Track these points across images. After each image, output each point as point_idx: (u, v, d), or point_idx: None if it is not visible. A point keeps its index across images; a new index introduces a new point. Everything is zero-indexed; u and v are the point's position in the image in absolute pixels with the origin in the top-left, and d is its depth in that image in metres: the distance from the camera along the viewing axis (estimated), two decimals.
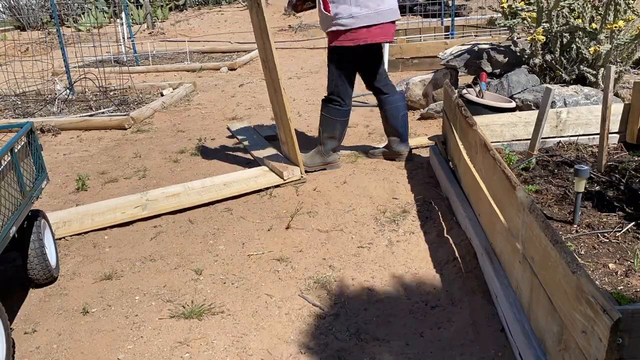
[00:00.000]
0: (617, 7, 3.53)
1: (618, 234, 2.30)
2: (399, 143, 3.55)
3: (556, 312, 1.53)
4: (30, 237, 2.35)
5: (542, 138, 3.14)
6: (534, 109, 3.57)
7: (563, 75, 3.90)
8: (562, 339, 1.51)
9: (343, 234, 2.76)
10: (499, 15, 4.22)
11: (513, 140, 3.28)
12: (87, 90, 5.90)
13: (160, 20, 12.41)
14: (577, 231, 2.34)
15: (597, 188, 2.70)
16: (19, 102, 5.81)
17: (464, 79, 4.75)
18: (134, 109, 5.30)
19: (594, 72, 3.77)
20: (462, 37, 7.13)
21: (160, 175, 3.74)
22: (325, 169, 3.51)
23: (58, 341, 2.12)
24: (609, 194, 2.63)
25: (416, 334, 2.02)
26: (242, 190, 3.24)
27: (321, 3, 3.21)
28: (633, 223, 2.35)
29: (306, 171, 3.44)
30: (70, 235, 2.93)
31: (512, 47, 4.20)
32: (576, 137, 3.29)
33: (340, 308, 2.20)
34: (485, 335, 1.94)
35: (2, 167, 2.15)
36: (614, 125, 3.22)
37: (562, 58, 3.93)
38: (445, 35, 7.31)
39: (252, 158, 3.87)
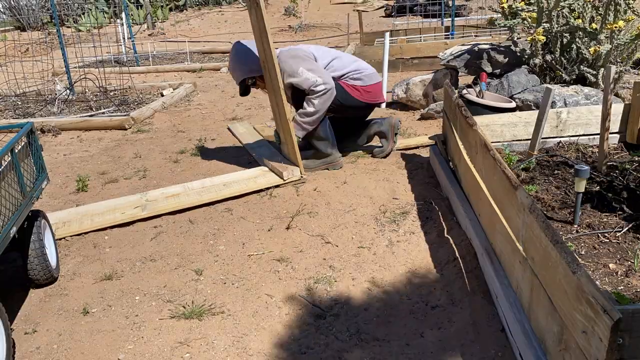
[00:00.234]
0: (617, 7, 3.53)
1: (618, 234, 2.30)
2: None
3: (556, 312, 1.53)
4: (31, 237, 2.35)
5: (543, 138, 3.14)
6: (534, 109, 3.57)
7: (563, 75, 3.90)
8: (562, 339, 1.51)
9: (343, 234, 2.76)
10: (499, 15, 4.22)
11: (513, 141, 3.28)
12: (87, 90, 5.90)
13: (160, 21, 12.41)
14: (577, 231, 2.34)
15: (598, 188, 2.70)
16: (19, 103, 5.81)
17: (464, 79, 4.75)
18: (134, 109, 5.31)
19: (594, 72, 3.77)
20: (462, 37, 7.13)
21: (160, 176, 3.74)
22: (327, 169, 3.50)
23: (58, 341, 2.12)
24: (609, 194, 2.63)
25: (416, 334, 2.02)
26: (242, 191, 3.24)
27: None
28: (633, 223, 2.35)
29: (306, 171, 3.44)
30: (71, 236, 2.93)
31: (512, 47, 4.20)
32: (576, 137, 3.29)
33: (341, 308, 2.20)
34: (486, 335, 1.94)
35: (2, 167, 2.16)
36: (614, 125, 3.22)
37: (562, 58, 3.93)
38: (445, 35, 7.32)
39: (252, 159, 3.87)
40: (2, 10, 12.00)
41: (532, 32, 3.97)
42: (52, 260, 2.51)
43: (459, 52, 4.37)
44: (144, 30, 11.19)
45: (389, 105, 4.96)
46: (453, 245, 2.53)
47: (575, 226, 2.38)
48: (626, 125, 3.26)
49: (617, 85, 3.80)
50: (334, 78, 3.38)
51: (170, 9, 13.69)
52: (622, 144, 3.26)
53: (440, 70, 4.68)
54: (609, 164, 2.91)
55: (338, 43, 8.54)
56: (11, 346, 1.94)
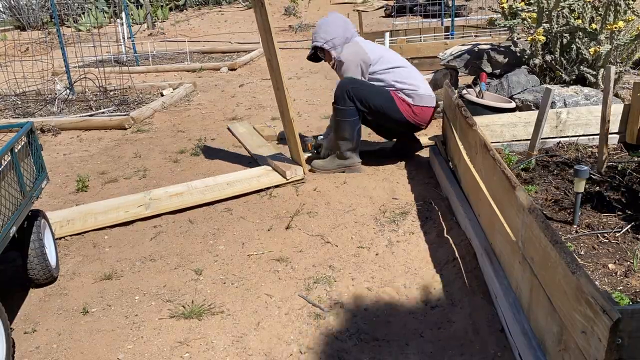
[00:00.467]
0: (617, 7, 3.53)
1: (618, 234, 2.30)
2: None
3: (556, 312, 1.53)
4: (30, 237, 2.35)
5: (542, 138, 3.14)
6: (533, 110, 3.57)
7: (563, 75, 3.90)
8: (561, 339, 1.51)
9: (343, 234, 2.76)
10: (499, 15, 4.22)
11: (513, 141, 3.28)
12: (87, 90, 5.90)
13: (160, 20, 12.41)
14: (576, 232, 2.34)
15: (597, 188, 2.70)
16: (19, 102, 5.81)
17: (464, 79, 4.75)
18: (134, 109, 5.30)
19: (594, 72, 3.77)
20: (462, 37, 7.13)
21: (160, 175, 3.74)
22: (344, 172, 3.44)
23: (58, 341, 2.12)
24: (609, 194, 2.63)
25: (416, 334, 2.02)
26: (245, 190, 3.24)
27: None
28: (633, 223, 2.35)
29: (323, 171, 3.44)
30: (70, 235, 2.93)
31: (512, 48, 4.20)
32: (576, 138, 3.29)
33: (340, 308, 2.20)
34: (485, 335, 1.94)
35: (2, 167, 2.16)
36: (614, 125, 3.22)
37: (562, 58, 3.93)
38: (445, 35, 7.31)
39: (252, 158, 3.87)
40: (2, 9, 12.00)
41: (532, 32, 3.97)
42: (52, 260, 2.51)
43: (459, 52, 4.37)
44: (144, 30, 11.19)
45: None
46: (453, 246, 2.53)
47: (575, 226, 2.38)
48: (626, 126, 3.26)
49: (616, 85, 3.80)
50: (384, 82, 3.35)
51: (170, 9, 13.69)
52: (622, 145, 3.26)
53: (440, 71, 4.68)
54: (608, 164, 2.91)
55: None
56: (11, 346, 1.94)
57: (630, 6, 3.54)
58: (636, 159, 3.00)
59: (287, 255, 2.61)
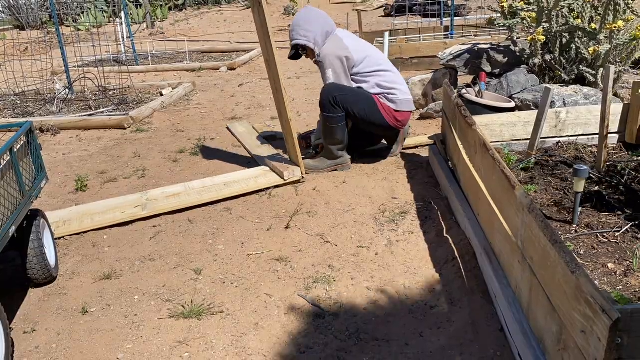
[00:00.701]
0: (617, 7, 3.53)
1: (617, 234, 2.30)
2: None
3: (555, 312, 1.53)
4: (30, 236, 2.35)
5: (542, 138, 3.14)
6: (533, 109, 3.57)
7: (562, 75, 3.90)
8: (561, 339, 1.51)
9: (342, 233, 2.76)
10: (499, 15, 4.22)
11: (512, 140, 3.28)
12: (86, 89, 5.90)
13: (159, 20, 12.41)
14: (576, 231, 2.34)
15: (597, 188, 2.70)
16: (18, 102, 5.81)
17: (464, 78, 4.75)
18: (134, 108, 5.30)
19: (594, 72, 3.78)
20: (462, 37, 7.13)
21: (159, 175, 3.74)
22: (336, 170, 3.47)
23: (57, 341, 2.12)
24: (608, 194, 2.63)
25: (415, 333, 2.02)
26: (243, 190, 3.24)
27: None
28: (632, 223, 2.35)
29: (315, 172, 3.44)
30: (70, 235, 2.93)
31: (512, 47, 4.20)
32: (575, 137, 3.29)
33: (340, 308, 2.20)
34: (485, 335, 1.94)
35: (1, 166, 2.15)
36: (613, 125, 3.22)
37: (562, 58, 3.93)
38: (444, 35, 7.31)
39: (251, 158, 3.87)
40: (1, 9, 11.99)
41: (531, 32, 3.97)
42: (51, 260, 2.51)
43: (459, 52, 4.37)
44: (143, 30, 11.18)
45: None
46: (452, 245, 2.53)
47: (574, 226, 2.38)
48: (625, 125, 3.26)
49: (616, 85, 3.81)
50: (368, 83, 3.38)
51: (170, 8, 13.69)
52: (621, 144, 3.26)
53: (440, 70, 4.68)
54: (608, 163, 2.91)
55: None
56: (10, 345, 1.94)
57: (630, 6, 3.55)
58: (636, 159, 3.00)
59: (286, 255, 2.61)
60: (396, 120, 3.43)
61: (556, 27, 3.83)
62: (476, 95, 3.86)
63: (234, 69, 7.34)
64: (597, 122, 3.00)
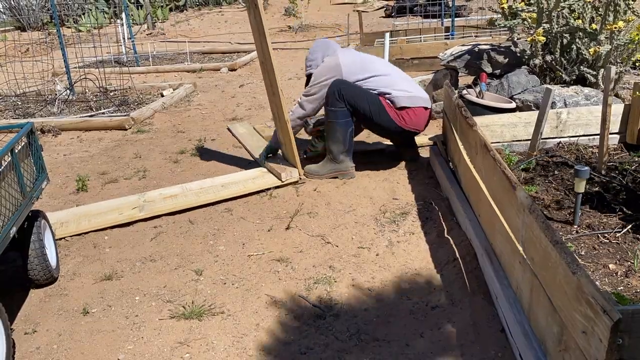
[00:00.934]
0: (617, 7, 3.53)
1: (618, 234, 2.30)
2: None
3: (556, 312, 1.53)
4: (31, 237, 2.35)
5: (542, 139, 3.14)
6: (534, 110, 3.57)
7: (563, 75, 3.90)
8: (562, 340, 1.51)
9: (343, 234, 2.76)
10: (499, 16, 4.22)
11: (513, 141, 3.28)
12: (87, 90, 5.90)
13: (160, 21, 12.41)
14: (577, 232, 2.34)
15: (597, 189, 2.70)
16: (20, 103, 5.81)
17: (464, 79, 4.75)
18: (134, 109, 5.31)
19: (594, 72, 3.77)
20: (462, 37, 7.13)
21: (160, 176, 3.74)
22: (337, 177, 3.40)
23: (58, 341, 2.12)
24: (609, 194, 2.63)
25: (416, 334, 2.02)
26: (240, 192, 3.24)
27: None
28: (633, 224, 2.35)
29: (315, 177, 3.42)
30: (71, 236, 2.93)
31: (512, 48, 4.20)
32: (576, 138, 3.29)
33: (340, 308, 2.20)
34: (486, 336, 1.94)
35: (2, 167, 2.16)
36: (614, 125, 3.22)
37: (562, 59, 3.93)
38: (445, 35, 7.31)
39: (252, 159, 3.87)
40: (2, 10, 12.01)
41: (532, 32, 3.96)
42: (52, 261, 2.51)
43: (459, 53, 4.37)
44: (144, 31, 11.19)
45: None
46: (453, 246, 2.53)
47: (575, 227, 2.38)
48: (626, 126, 3.26)
49: (617, 85, 3.80)
50: (371, 90, 3.33)
51: (170, 9, 13.69)
52: (622, 145, 3.26)
53: (440, 71, 4.68)
54: (608, 164, 2.91)
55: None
56: (11, 346, 1.94)
57: (630, 6, 3.54)
58: (637, 159, 3.00)
59: (287, 255, 2.61)
60: (402, 119, 3.28)
61: (557, 28, 3.83)
62: (477, 96, 3.85)
63: (235, 70, 7.34)
64: (598, 123, 2.99)
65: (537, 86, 3.94)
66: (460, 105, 2.97)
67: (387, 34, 5.55)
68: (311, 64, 3.50)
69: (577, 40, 3.82)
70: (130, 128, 4.88)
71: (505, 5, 4.10)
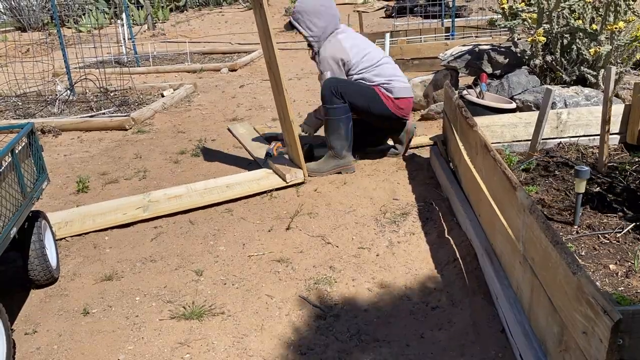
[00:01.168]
0: (618, 8, 3.53)
1: (619, 235, 2.30)
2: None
3: (557, 313, 1.53)
4: (31, 237, 2.35)
5: (543, 139, 3.14)
6: (534, 110, 3.57)
7: (563, 76, 3.90)
8: (562, 340, 1.51)
9: (343, 234, 2.76)
10: (500, 16, 4.22)
11: (513, 141, 3.28)
12: (87, 91, 5.90)
13: (160, 21, 12.42)
14: (577, 232, 2.34)
15: (598, 189, 2.70)
16: (20, 103, 5.81)
17: (465, 79, 4.75)
18: (135, 109, 5.31)
19: (595, 73, 3.77)
20: (463, 38, 7.13)
21: (160, 176, 3.74)
22: (340, 173, 3.44)
23: (58, 342, 2.12)
24: (610, 195, 2.63)
25: (416, 335, 2.02)
26: (245, 193, 3.23)
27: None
28: (634, 224, 2.35)
29: (317, 174, 3.43)
30: (71, 236, 2.93)
31: (513, 48, 4.20)
32: (576, 138, 3.29)
33: (341, 309, 2.20)
34: (486, 336, 1.94)
35: (2, 168, 2.16)
36: (615, 126, 3.22)
37: (563, 59, 3.93)
38: (445, 36, 7.31)
39: (252, 159, 3.87)
40: (2, 10, 12.01)
41: (532, 33, 3.97)
42: (53, 261, 2.51)
43: (459, 53, 4.37)
44: (145, 31, 11.19)
45: None
46: (453, 246, 2.53)
47: (576, 227, 2.38)
48: (626, 126, 3.26)
49: (617, 86, 3.80)
50: (365, 80, 3.40)
51: (171, 10, 13.70)
52: (623, 145, 3.26)
53: (441, 71, 4.68)
54: (609, 164, 2.91)
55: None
56: (11, 347, 1.94)
57: (631, 6, 3.54)
58: (637, 160, 3.00)
59: (287, 256, 2.61)
60: (398, 107, 3.43)
61: (557, 28, 3.83)
62: (477, 96, 3.86)
63: (235, 70, 7.34)
64: (598, 123, 2.99)
65: (537, 86, 3.95)
66: (461, 106, 2.97)
67: (388, 35, 5.55)
68: (313, 31, 3.38)
69: (577, 40, 3.82)
70: (130, 128, 4.88)
71: (506, 6, 4.10)
